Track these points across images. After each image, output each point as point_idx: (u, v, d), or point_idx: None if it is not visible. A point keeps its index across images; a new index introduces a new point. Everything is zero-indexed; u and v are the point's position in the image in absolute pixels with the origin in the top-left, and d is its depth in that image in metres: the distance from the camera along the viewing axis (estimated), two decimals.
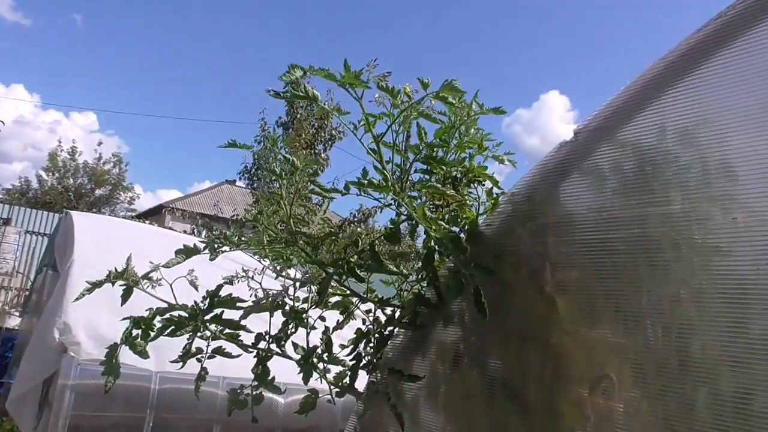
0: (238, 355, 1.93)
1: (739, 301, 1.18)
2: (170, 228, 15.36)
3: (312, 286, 1.90)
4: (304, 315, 1.87)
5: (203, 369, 1.95)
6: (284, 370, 1.94)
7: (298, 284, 1.92)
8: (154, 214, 27.92)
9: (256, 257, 1.95)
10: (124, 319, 1.76)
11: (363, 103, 1.34)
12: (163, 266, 1.69)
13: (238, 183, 25.60)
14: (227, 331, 1.87)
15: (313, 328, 1.96)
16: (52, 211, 18.64)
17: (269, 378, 1.78)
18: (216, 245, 1.77)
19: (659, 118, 1.34)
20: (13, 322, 10.69)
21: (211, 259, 1.68)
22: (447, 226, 1.45)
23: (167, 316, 1.73)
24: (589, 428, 1.30)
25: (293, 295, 1.92)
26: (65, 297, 6.04)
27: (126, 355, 2.00)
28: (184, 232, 14.07)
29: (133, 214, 31.18)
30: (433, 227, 1.38)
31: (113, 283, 1.82)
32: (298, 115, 15.20)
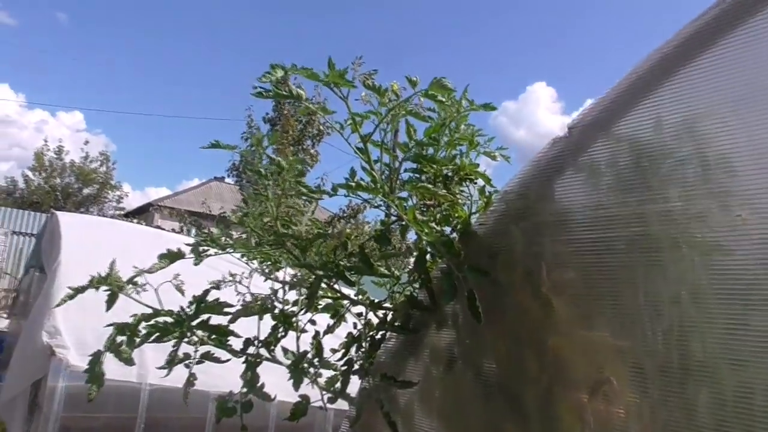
0: (227, 360, 1.88)
1: (739, 299, 1.14)
2: (158, 227, 15.23)
3: (301, 289, 1.85)
4: (293, 319, 1.82)
5: (192, 375, 1.90)
6: (274, 374, 1.89)
7: (287, 287, 1.87)
8: (143, 213, 27.73)
9: (243, 259, 1.89)
10: (108, 326, 1.71)
11: (350, 101, 1.29)
12: (146, 271, 1.64)
13: (226, 180, 25.45)
14: (215, 336, 1.82)
15: (304, 331, 1.91)
16: (40, 211, 18.44)
17: (258, 384, 1.73)
18: (201, 249, 1.71)
19: (655, 112, 1.30)
20: (1, 324, 10.59)
21: (195, 264, 1.63)
22: (438, 227, 1.40)
23: (152, 322, 1.67)
24: None
25: (283, 299, 1.87)
26: (52, 299, 5.96)
27: (113, 368, 1.95)
28: (173, 230, 13.97)
29: (122, 212, 30.95)
30: (425, 230, 1.33)
31: (97, 289, 1.76)
32: (285, 111, 15.09)
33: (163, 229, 11.64)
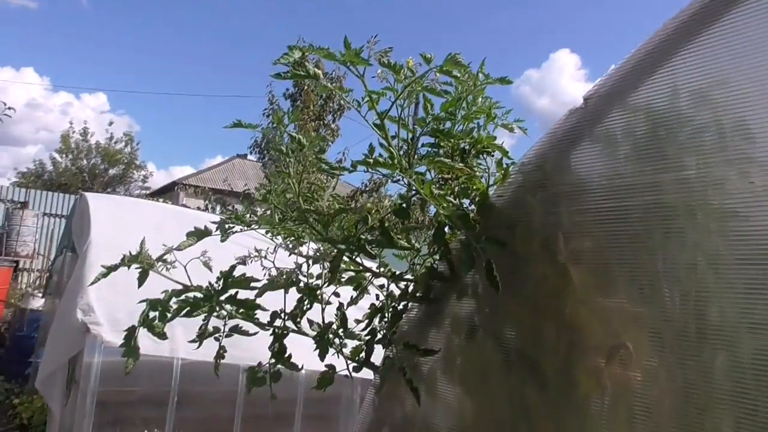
0: (255, 333, 1.95)
1: (757, 264, 1.16)
2: (184, 205, 15.45)
3: (325, 263, 1.90)
4: (318, 292, 1.87)
5: (222, 348, 1.97)
6: (302, 347, 1.95)
7: (311, 261, 1.92)
8: (168, 192, 28.09)
9: (268, 235, 1.94)
10: (140, 302, 1.78)
11: (366, 79, 1.32)
12: (175, 249, 1.70)
13: (249, 157, 25.60)
14: (243, 310, 1.88)
15: (328, 303, 1.96)
16: (68, 193, 18.79)
17: (286, 355, 1.79)
18: (227, 225, 1.76)
19: (672, 80, 1.30)
20: (37, 303, 10.88)
21: (222, 241, 1.68)
22: (455, 201, 1.43)
23: (183, 297, 1.74)
24: (606, 397, 1.30)
25: (307, 272, 1.92)
26: (84, 278, 6.12)
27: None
28: (198, 208, 14.14)
29: (147, 192, 31.36)
30: (442, 204, 1.36)
31: (128, 267, 1.83)
32: (306, 87, 15.08)
33: (189, 208, 11.80)
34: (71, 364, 7.82)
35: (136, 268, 1.87)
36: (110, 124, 38.66)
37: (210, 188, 19.64)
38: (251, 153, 17.85)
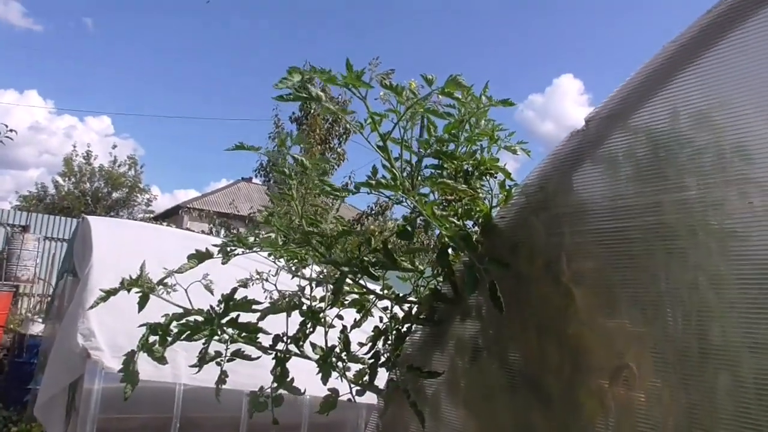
0: (257, 357, 1.93)
1: (758, 285, 1.16)
2: (188, 228, 15.46)
3: (328, 286, 1.90)
4: (321, 314, 1.87)
5: (223, 373, 1.95)
6: (305, 371, 1.94)
7: (314, 283, 1.91)
8: (172, 215, 28.13)
9: (270, 258, 1.95)
10: (141, 326, 1.77)
11: (368, 101, 1.33)
12: (175, 272, 1.70)
13: (254, 180, 25.67)
14: (245, 334, 1.87)
15: (332, 326, 1.96)
16: (71, 216, 18.80)
17: (288, 379, 1.78)
18: (229, 248, 1.77)
19: (672, 103, 1.31)
20: (37, 328, 10.82)
21: (223, 263, 1.68)
22: (458, 222, 1.44)
23: (183, 321, 1.73)
24: (610, 418, 1.29)
25: (310, 295, 1.92)
26: (85, 302, 6.10)
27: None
28: (202, 232, 14.15)
29: (151, 215, 31.37)
30: (444, 225, 1.37)
31: (128, 291, 1.83)
32: (312, 111, 15.17)
33: (193, 231, 11.81)
34: (71, 389, 7.75)
35: (136, 292, 1.86)
36: (114, 147, 38.80)
37: (214, 212, 19.67)
38: (256, 176, 17.91)
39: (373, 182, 1.36)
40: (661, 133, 1.32)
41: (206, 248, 1.66)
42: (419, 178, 1.43)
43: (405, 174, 1.47)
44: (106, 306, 1.91)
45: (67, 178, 31.49)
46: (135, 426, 8.60)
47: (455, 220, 1.45)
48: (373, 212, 15.06)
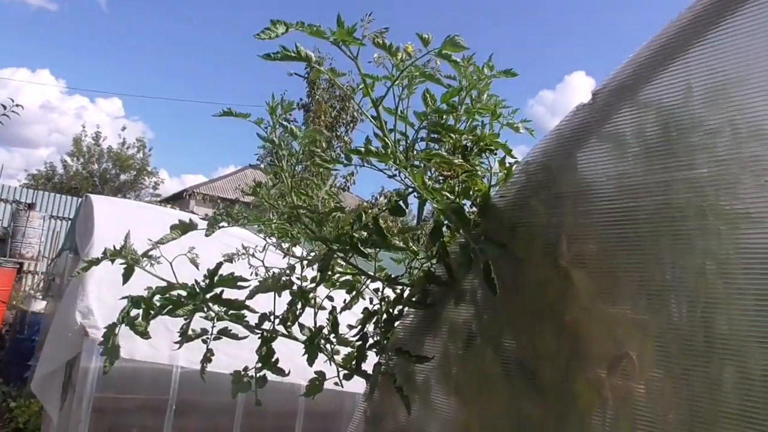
0: (245, 337, 1.87)
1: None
2: (192, 212, 15.41)
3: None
4: (311, 295, 1.80)
5: (209, 351, 1.89)
6: (298, 356, 1.87)
7: (305, 263, 1.84)
8: (178, 199, 28.15)
9: (261, 235, 1.87)
10: (122, 298, 1.71)
11: (361, 64, 1.25)
12: (157, 242, 1.63)
13: (262, 166, 25.61)
14: (232, 312, 1.80)
15: (322, 308, 1.89)
16: (78, 196, 18.80)
17: (273, 360, 1.72)
18: (215, 221, 1.69)
19: (685, 77, 1.22)
20: (38, 306, 10.84)
21: (207, 235, 1.61)
22: (453, 197, 1.36)
23: (167, 295, 1.66)
24: (608, 410, 1.21)
25: (301, 275, 1.85)
26: (85, 280, 6.07)
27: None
28: (205, 215, 14.09)
29: (158, 198, 31.41)
30: (437, 198, 1.28)
31: (112, 261, 1.76)
32: (318, 97, 15.08)
33: (197, 215, 11.77)
34: (68, 367, 7.74)
35: (121, 264, 1.80)
36: (123, 129, 38.84)
37: (220, 197, 19.63)
38: (262, 162, 17.85)
39: (363, 150, 1.28)
40: (672, 109, 1.23)
41: (190, 219, 1.58)
42: (414, 151, 1.35)
43: (400, 147, 1.38)
44: (105, 284, 1.86)
45: (75, 159, 31.55)
46: (131, 406, 8.61)
47: (449, 194, 1.36)
48: (377, 202, 14.99)
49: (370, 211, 1.40)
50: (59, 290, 10.03)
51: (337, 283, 1.80)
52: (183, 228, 1.60)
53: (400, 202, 1.42)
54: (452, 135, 1.45)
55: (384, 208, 1.39)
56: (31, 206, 14.57)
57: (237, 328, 1.86)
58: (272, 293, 1.84)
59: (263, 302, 1.88)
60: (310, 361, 1.63)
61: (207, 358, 1.90)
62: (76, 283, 7.63)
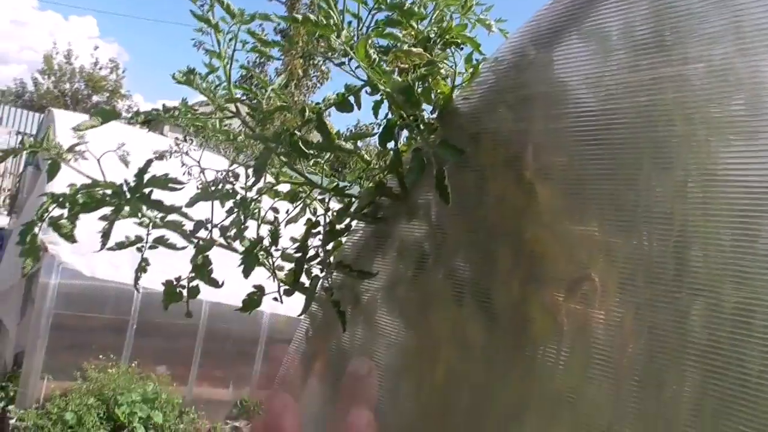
0: (184, 248, 1.72)
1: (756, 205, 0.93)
2: (162, 134, 15.00)
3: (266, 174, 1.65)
4: (252, 205, 1.63)
5: (144, 260, 1.74)
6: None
7: (249, 171, 1.67)
8: (153, 122, 27.47)
9: (200, 138, 1.70)
10: (40, 195, 1.53)
11: None
12: (74, 128, 1.44)
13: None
14: (169, 219, 1.64)
15: (267, 223, 1.73)
16: None
17: (208, 269, 1.57)
18: (151, 116, 1.51)
19: None
20: (3, 221, 10.63)
21: (131, 123, 1.43)
22: (400, 80, 1.18)
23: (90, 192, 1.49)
24: (563, 337, 1.09)
25: (245, 184, 1.68)
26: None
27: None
28: (176, 138, 13.73)
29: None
30: (383, 79, 1.11)
31: (32, 155, 1.57)
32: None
33: (166, 137, 11.43)
34: (28, 282, 7.58)
35: (45, 159, 1.61)
36: (96, 48, 37.47)
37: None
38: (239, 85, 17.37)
39: (300, 18, 1.10)
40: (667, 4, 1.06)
41: (112, 105, 1.40)
42: (364, 30, 1.16)
43: (354, 32, 1.20)
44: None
45: (46, 77, 30.44)
46: (93, 325, 8.52)
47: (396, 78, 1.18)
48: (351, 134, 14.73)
49: (314, 105, 1.23)
50: (22, 205, 9.80)
51: (282, 194, 1.64)
52: (104, 114, 1.41)
53: (350, 97, 1.24)
54: (413, 23, 1.27)
55: (331, 103, 1.21)
56: None
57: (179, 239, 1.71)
58: (212, 202, 1.67)
59: (205, 211, 1.72)
60: (246, 273, 1.48)
61: (142, 267, 1.75)
62: (35, 197, 7.39)
